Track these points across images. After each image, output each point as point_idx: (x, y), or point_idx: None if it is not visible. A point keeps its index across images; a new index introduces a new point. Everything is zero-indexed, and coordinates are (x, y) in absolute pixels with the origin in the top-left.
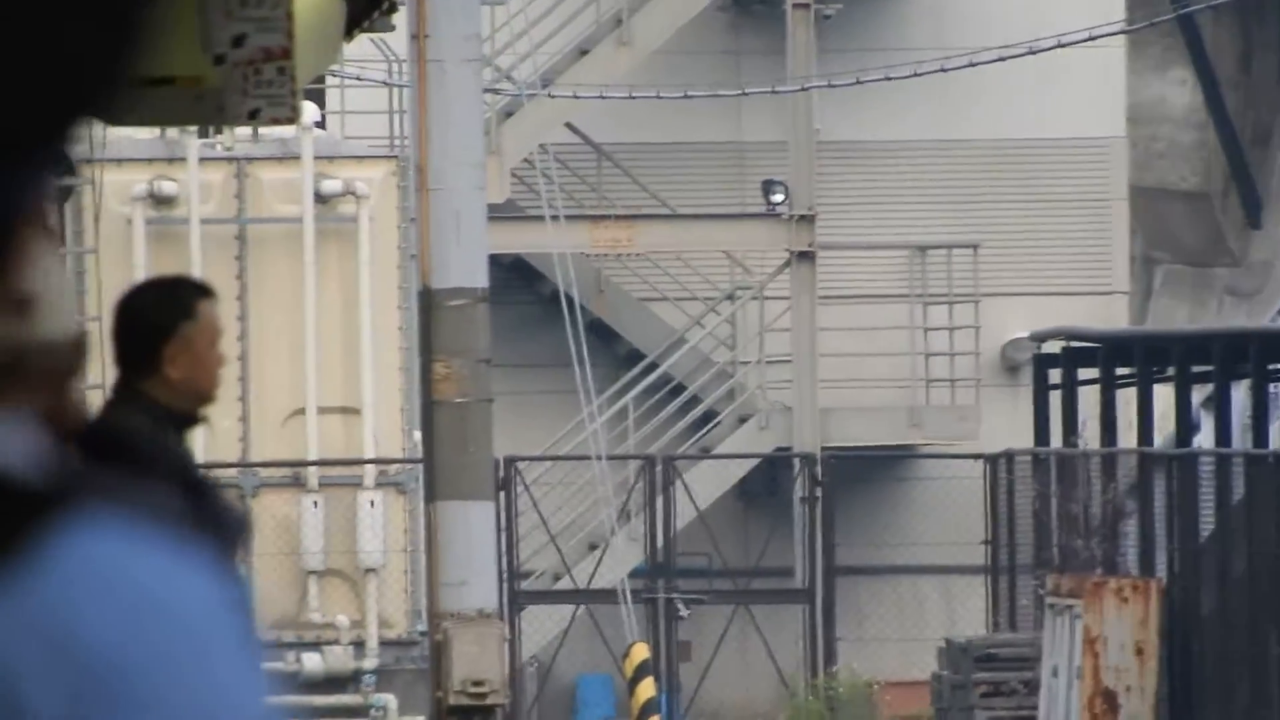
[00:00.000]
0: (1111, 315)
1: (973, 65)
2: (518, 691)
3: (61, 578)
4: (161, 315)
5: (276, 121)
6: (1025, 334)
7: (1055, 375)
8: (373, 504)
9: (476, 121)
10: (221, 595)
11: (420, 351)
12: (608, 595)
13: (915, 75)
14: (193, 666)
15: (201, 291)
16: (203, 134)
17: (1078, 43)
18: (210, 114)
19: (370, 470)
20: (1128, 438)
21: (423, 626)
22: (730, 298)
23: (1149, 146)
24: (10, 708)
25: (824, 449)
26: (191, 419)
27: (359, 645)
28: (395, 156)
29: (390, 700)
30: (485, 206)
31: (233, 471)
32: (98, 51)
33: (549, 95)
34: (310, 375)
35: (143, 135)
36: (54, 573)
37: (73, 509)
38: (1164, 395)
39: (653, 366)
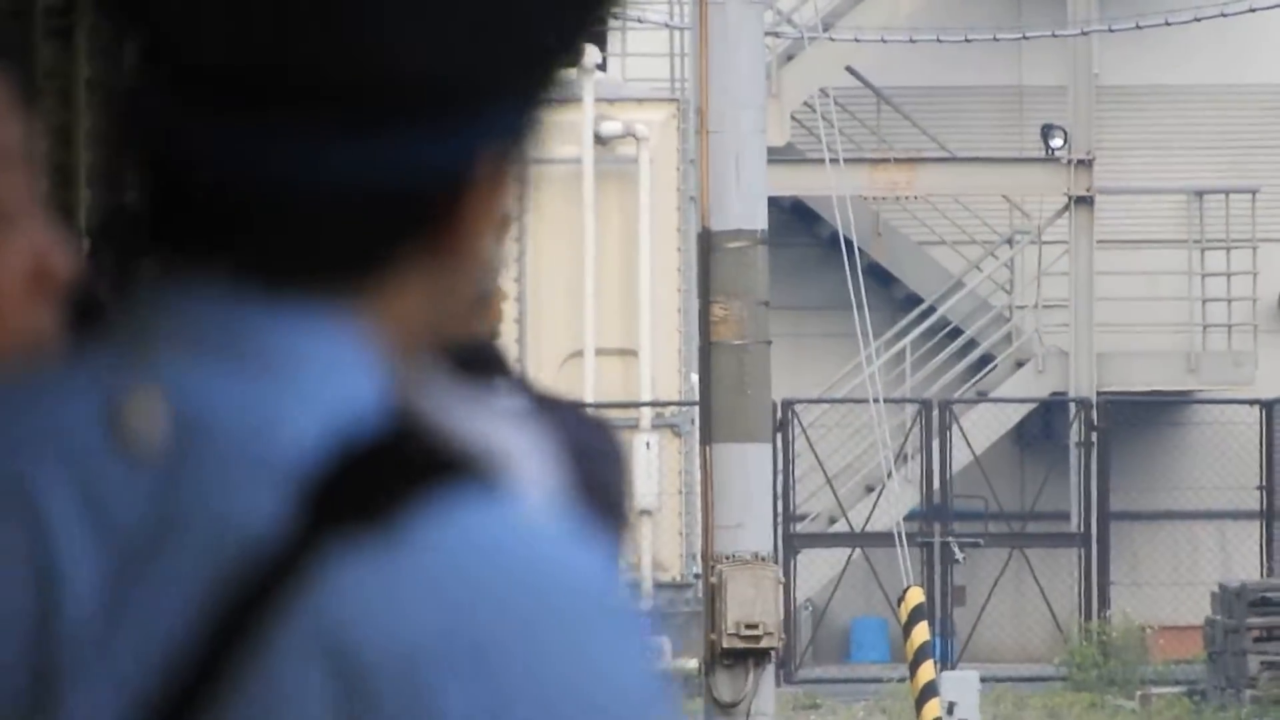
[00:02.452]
0: None
1: (1253, 11)
2: (792, 634)
3: (429, 555)
4: None
5: None
6: None
7: None
8: (649, 446)
9: (757, 64)
10: (616, 580)
11: (699, 293)
12: (883, 538)
13: (1195, 20)
14: (575, 653)
15: None
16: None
17: None
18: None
19: (647, 412)
20: None
21: (697, 569)
22: (1008, 242)
23: None
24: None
25: (1100, 394)
26: None
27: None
28: (675, 99)
29: (664, 643)
30: (765, 149)
31: None
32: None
33: (829, 39)
34: (588, 316)
35: None
36: (423, 548)
37: (463, 478)
38: None
39: (930, 310)
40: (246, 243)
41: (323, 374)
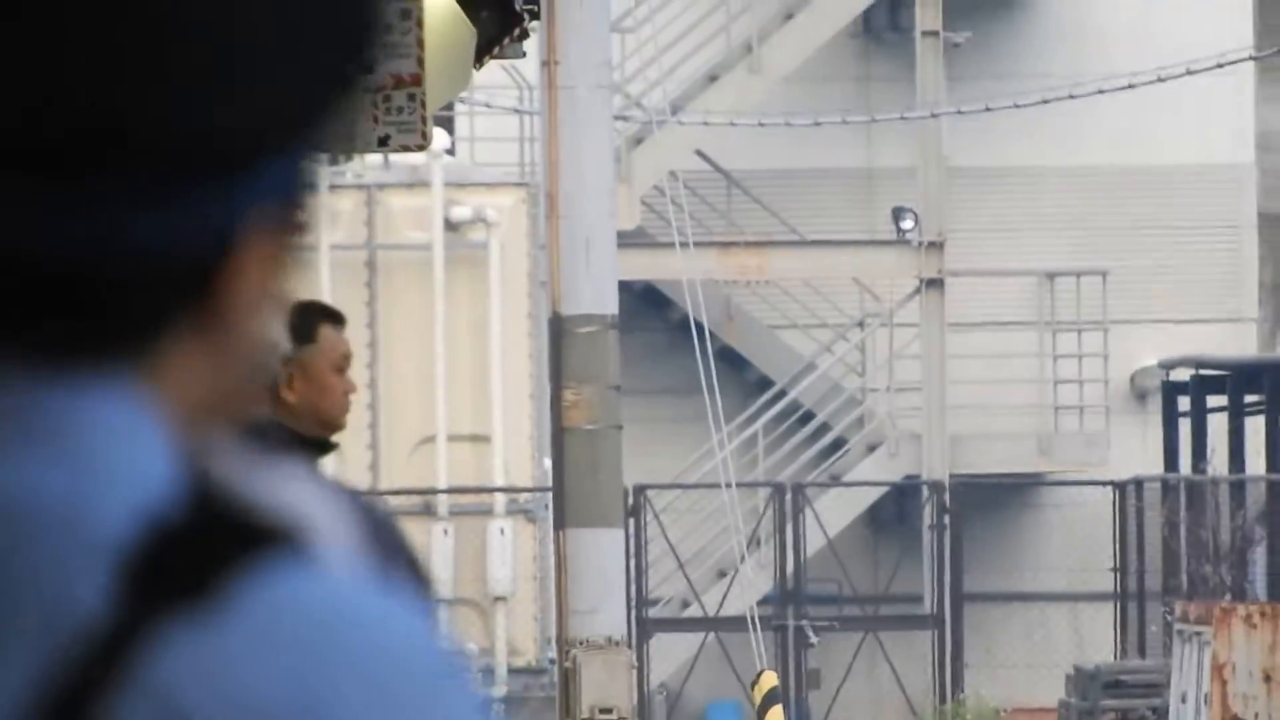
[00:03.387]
0: (1241, 343)
1: (1101, 92)
2: (646, 718)
3: (258, 621)
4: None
5: (406, 149)
6: (1154, 361)
7: (1184, 402)
8: (503, 532)
9: (607, 148)
10: (437, 644)
11: (550, 378)
12: (737, 622)
13: (1044, 102)
14: (408, 715)
15: (326, 315)
16: (332, 160)
17: (1207, 69)
18: (340, 141)
19: (500, 498)
20: (1256, 465)
21: (552, 654)
22: (860, 325)
23: None
24: None
25: (953, 476)
26: (322, 445)
27: (488, 673)
28: (525, 184)
29: None
30: (615, 233)
31: None
32: (343, 52)
33: (679, 122)
34: (440, 402)
35: None
36: (251, 615)
37: (278, 545)
38: None
39: (782, 394)
40: (20, 318)
41: (120, 449)
